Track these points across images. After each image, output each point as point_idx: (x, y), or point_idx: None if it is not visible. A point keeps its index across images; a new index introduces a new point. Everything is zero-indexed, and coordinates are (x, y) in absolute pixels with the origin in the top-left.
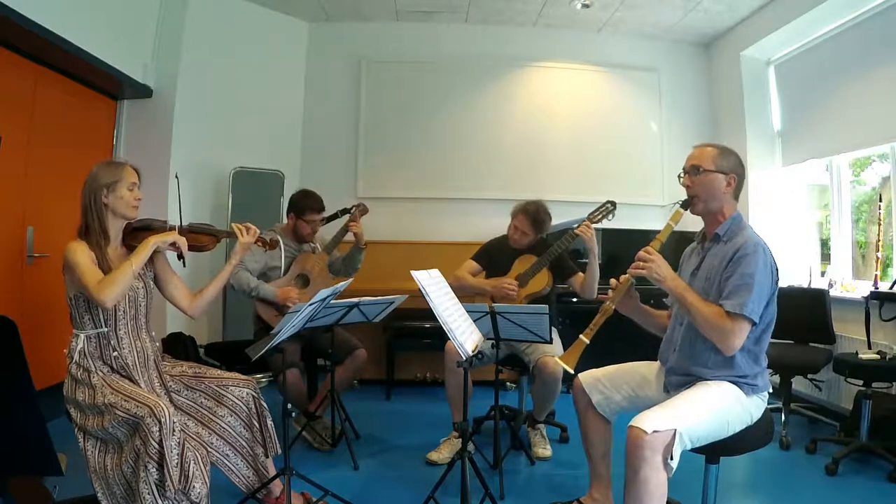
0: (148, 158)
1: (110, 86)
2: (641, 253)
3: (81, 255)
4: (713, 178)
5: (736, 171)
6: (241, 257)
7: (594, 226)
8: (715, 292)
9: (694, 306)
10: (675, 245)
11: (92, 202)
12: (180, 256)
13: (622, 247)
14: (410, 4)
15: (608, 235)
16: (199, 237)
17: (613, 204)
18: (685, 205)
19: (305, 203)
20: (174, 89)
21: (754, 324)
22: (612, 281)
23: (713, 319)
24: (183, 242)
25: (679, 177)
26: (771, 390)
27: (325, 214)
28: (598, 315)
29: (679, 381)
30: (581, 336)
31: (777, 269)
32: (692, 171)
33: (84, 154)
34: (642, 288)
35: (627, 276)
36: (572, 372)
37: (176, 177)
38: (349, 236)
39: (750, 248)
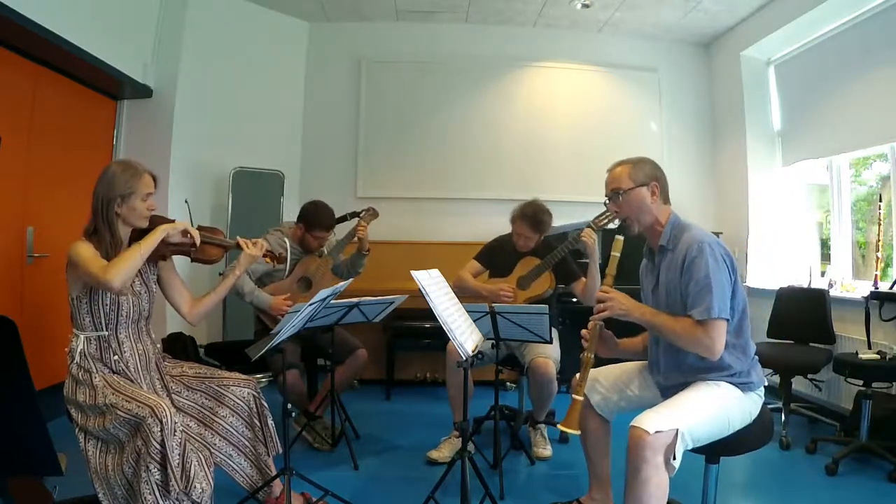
0: (148, 158)
1: (110, 86)
2: (598, 294)
3: (85, 249)
4: (636, 195)
5: (655, 177)
6: (245, 269)
7: (597, 230)
8: (681, 304)
9: (665, 326)
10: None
11: (104, 208)
12: (193, 246)
13: (632, 234)
14: (410, 4)
15: (607, 236)
16: (209, 249)
17: None
18: (621, 230)
19: (315, 221)
20: (174, 89)
21: (727, 321)
22: (584, 332)
23: (686, 333)
24: (195, 233)
25: (605, 205)
26: (766, 383)
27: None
28: (581, 369)
29: (675, 391)
30: (574, 395)
31: (730, 257)
32: (614, 197)
33: (84, 154)
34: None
35: (593, 322)
36: (578, 433)
37: (186, 202)
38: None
39: (695, 250)
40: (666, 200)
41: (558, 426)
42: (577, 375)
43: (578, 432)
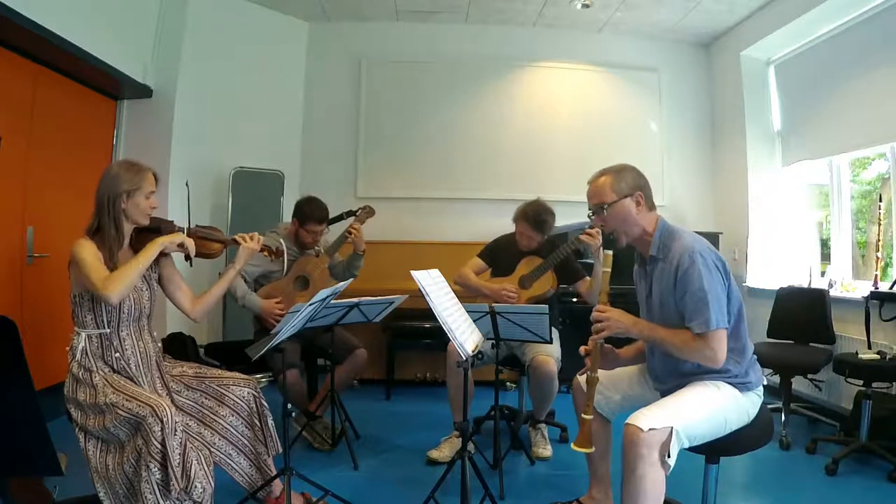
0: (148, 159)
1: (110, 86)
2: (595, 314)
3: (88, 252)
4: (621, 207)
5: (638, 185)
6: (245, 263)
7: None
8: (676, 315)
9: (665, 340)
10: None
11: (110, 205)
12: (187, 257)
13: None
14: (410, 4)
15: (606, 236)
16: (208, 244)
17: None
18: (609, 245)
19: (307, 213)
20: (174, 89)
21: (726, 328)
22: (582, 348)
23: (687, 346)
24: (191, 244)
25: (589, 217)
26: (765, 382)
27: (330, 217)
28: (588, 388)
29: (674, 391)
30: (583, 415)
31: (721, 261)
32: (598, 211)
33: (84, 154)
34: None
35: (592, 342)
36: (592, 451)
37: (186, 185)
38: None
39: (686, 261)
40: (651, 207)
41: (572, 446)
42: (586, 393)
43: (592, 450)
